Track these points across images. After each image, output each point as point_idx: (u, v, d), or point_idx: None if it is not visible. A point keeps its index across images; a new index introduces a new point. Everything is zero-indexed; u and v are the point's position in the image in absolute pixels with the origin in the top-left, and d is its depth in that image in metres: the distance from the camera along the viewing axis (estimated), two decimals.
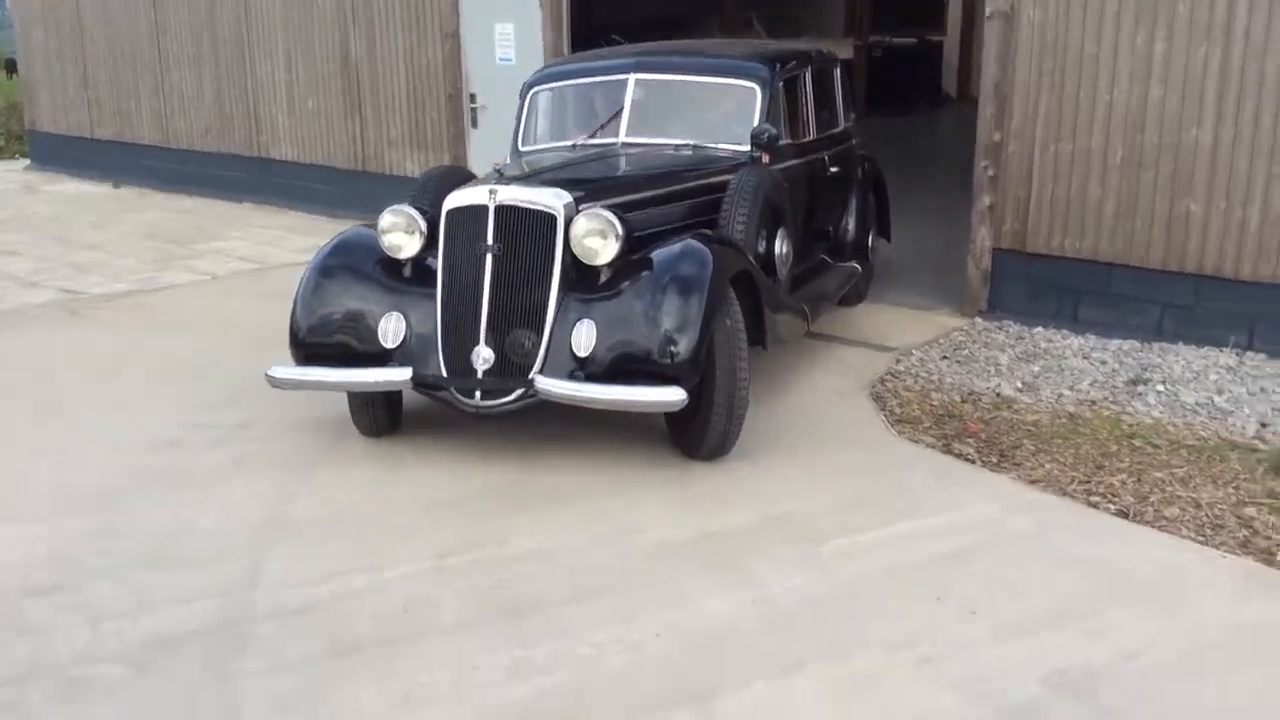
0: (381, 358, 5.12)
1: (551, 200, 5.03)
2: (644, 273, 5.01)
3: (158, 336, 7.78)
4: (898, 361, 6.96)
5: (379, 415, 5.56)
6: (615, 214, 5.05)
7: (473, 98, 10.54)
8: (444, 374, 5.04)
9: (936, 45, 20.68)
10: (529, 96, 6.98)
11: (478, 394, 4.99)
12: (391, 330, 5.14)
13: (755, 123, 6.25)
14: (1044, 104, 7.40)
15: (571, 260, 5.04)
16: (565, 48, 9.91)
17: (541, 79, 7.11)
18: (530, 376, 4.94)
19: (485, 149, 10.51)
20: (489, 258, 4.98)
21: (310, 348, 5.27)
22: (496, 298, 5.00)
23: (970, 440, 5.59)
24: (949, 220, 10.33)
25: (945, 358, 7.05)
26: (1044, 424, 5.84)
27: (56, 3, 14.60)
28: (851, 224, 7.94)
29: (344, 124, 11.63)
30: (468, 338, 5.00)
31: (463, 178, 6.33)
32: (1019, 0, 7.38)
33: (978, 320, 7.77)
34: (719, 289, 4.97)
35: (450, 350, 5.04)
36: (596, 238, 5.01)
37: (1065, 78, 7.28)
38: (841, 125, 7.92)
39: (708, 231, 5.46)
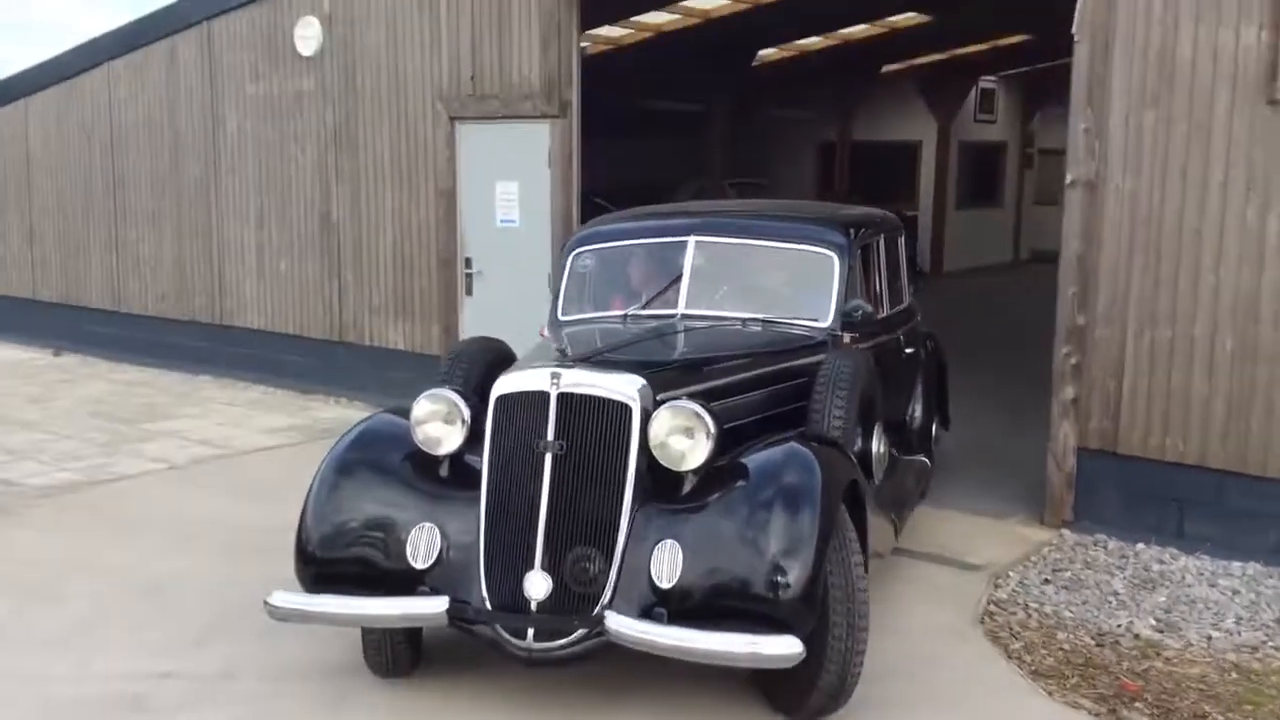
0: (410, 581, 4.18)
1: (625, 388, 4.17)
2: (739, 482, 4.14)
3: (109, 544, 6.55)
4: (996, 587, 5.91)
5: (399, 650, 4.57)
6: (704, 407, 4.19)
7: (468, 262, 9.59)
8: (488, 606, 4.08)
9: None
10: (571, 258, 6.11)
11: (530, 633, 4.02)
12: (424, 546, 4.21)
13: (833, 296, 5.50)
14: (1137, 284, 6.55)
15: (648, 463, 4.16)
16: (575, 211, 9.04)
17: (586, 238, 6.23)
18: (597, 613, 3.99)
19: (481, 319, 9.53)
20: (548, 458, 4.09)
21: (323, 566, 4.32)
22: (556, 508, 4.09)
23: (1138, 705, 4.49)
24: (996, 404, 9.51)
25: (1048, 581, 6.01)
26: (1213, 680, 4.78)
27: (2, 144, 13.59)
28: (919, 411, 7.05)
29: (320, 289, 10.60)
30: (519, 559, 4.08)
31: (501, 354, 5.62)
32: (1105, 167, 6.60)
33: (1065, 533, 6.77)
34: (832, 504, 4.08)
35: (497, 575, 4.11)
36: (682, 436, 4.14)
37: (1162, 255, 6.46)
38: (906, 299, 7.05)
39: (802, 431, 4.64)
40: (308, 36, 10.28)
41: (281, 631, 4.72)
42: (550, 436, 4.08)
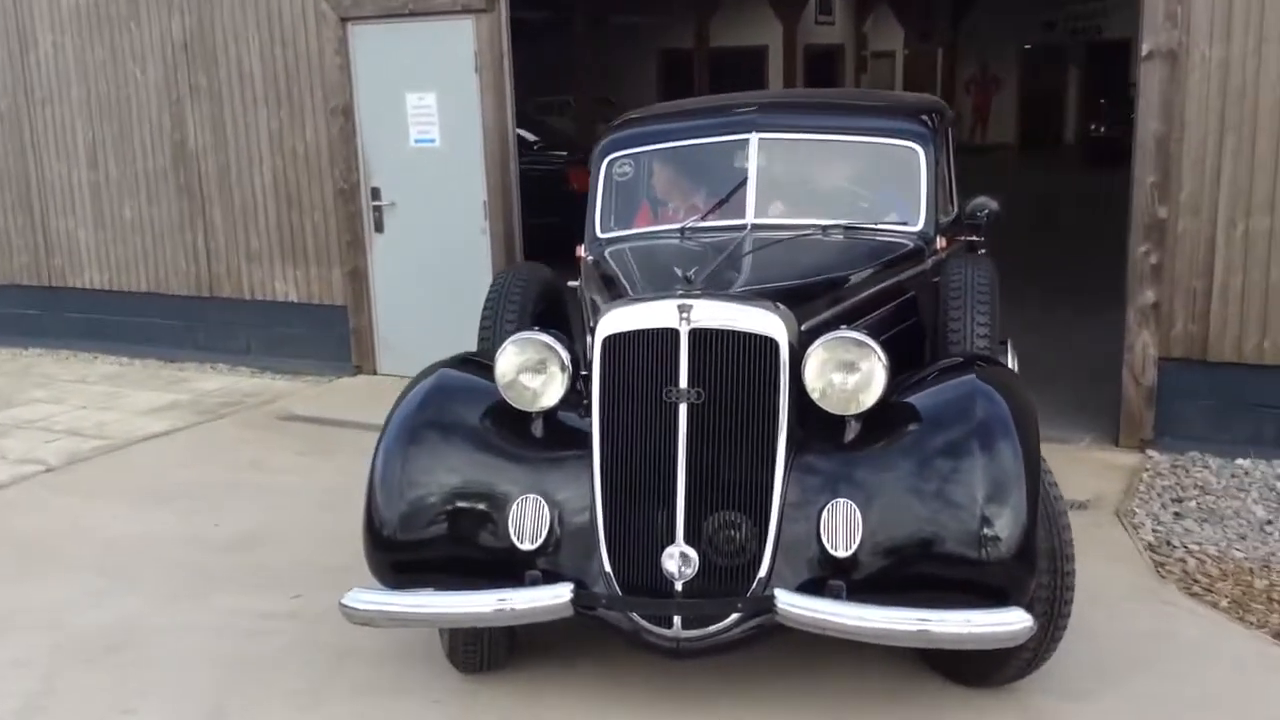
0: (515, 565, 3.47)
1: (768, 320, 3.46)
2: (910, 424, 3.48)
3: (13, 588, 4.94)
4: (1133, 527, 5.06)
5: (496, 638, 3.82)
6: (870, 338, 3.51)
7: (375, 193, 8.05)
8: (618, 590, 3.41)
9: None
10: (605, 164, 5.16)
11: (677, 620, 3.36)
12: (530, 522, 3.48)
13: (922, 195, 4.77)
14: (1229, 168, 5.74)
15: (798, 409, 3.48)
16: (510, 123, 7.63)
17: (623, 140, 5.25)
18: (754, 590, 3.35)
19: (396, 258, 8.06)
20: (683, 409, 3.37)
21: (404, 552, 3.56)
22: (695, 469, 3.38)
23: None
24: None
25: (1179, 516, 5.24)
26: None
27: None
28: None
29: (180, 235, 8.82)
30: (653, 532, 3.39)
31: (552, 283, 5.11)
32: (1188, 35, 5.74)
33: (1153, 455, 6.01)
34: (1032, 438, 3.42)
35: (625, 553, 3.42)
36: (848, 374, 3.47)
37: (1259, 133, 5.66)
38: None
39: (964, 355, 4.14)
40: None
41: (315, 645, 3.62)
42: (684, 383, 3.36)
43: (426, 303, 7.99)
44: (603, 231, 5.04)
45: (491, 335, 4.82)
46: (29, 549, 5.35)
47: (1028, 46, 27.43)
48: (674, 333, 3.38)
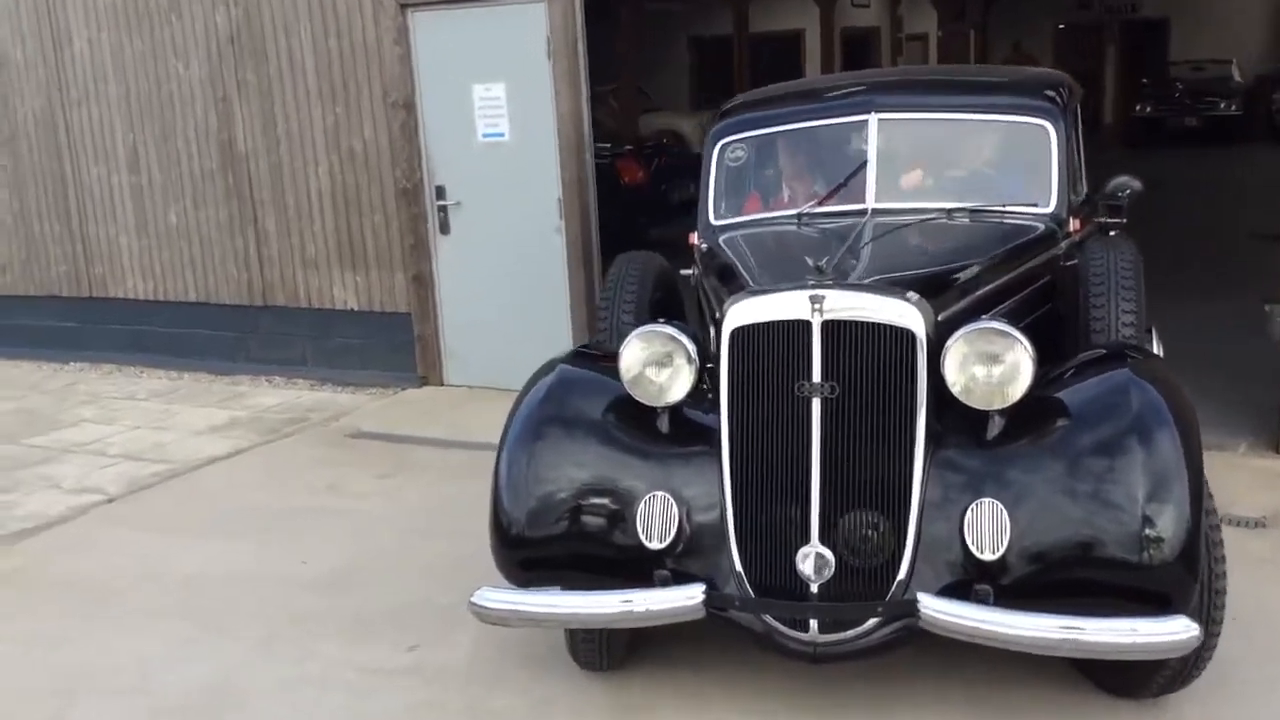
0: (644, 564, 3.38)
1: (904, 312, 3.31)
2: (1059, 420, 3.32)
3: (91, 643, 4.46)
4: None
5: (617, 636, 3.77)
6: (1016, 329, 3.34)
7: (440, 192, 7.54)
8: (750, 591, 3.33)
9: None
10: (719, 149, 5.01)
11: (813, 624, 3.26)
12: (658, 520, 3.39)
13: (1053, 175, 4.53)
14: None
15: (937, 403, 3.33)
16: (586, 113, 7.11)
17: (737, 125, 5.08)
18: (894, 593, 3.23)
19: (463, 261, 7.57)
20: (816, 403, 3.26)
21: (533, 549, 3.49)
22: (830, 466, 3.27)
23: None
24: None
25: None
26: None
27: None
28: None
29: (230, 242, 8.32)
30: (787, 531, 3.31)
31: (668, 272, 4.98)
32: None
33: None
34: (1193, 435, 3.22)
35: (757, 552, 3.34)
36: (992, 367, 3.30)
37: None
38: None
39: (1124, 347, 3.85)
40: None
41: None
42: (817, 377, 3.25)
43: (496, 308, 7.49)
44: (716, 218, 4.86)
45: (609, 327, 4.71)
46: (100, 594, 4.86)
47: (1062, 26, 26.75)
48: (806, 324, 3.25)
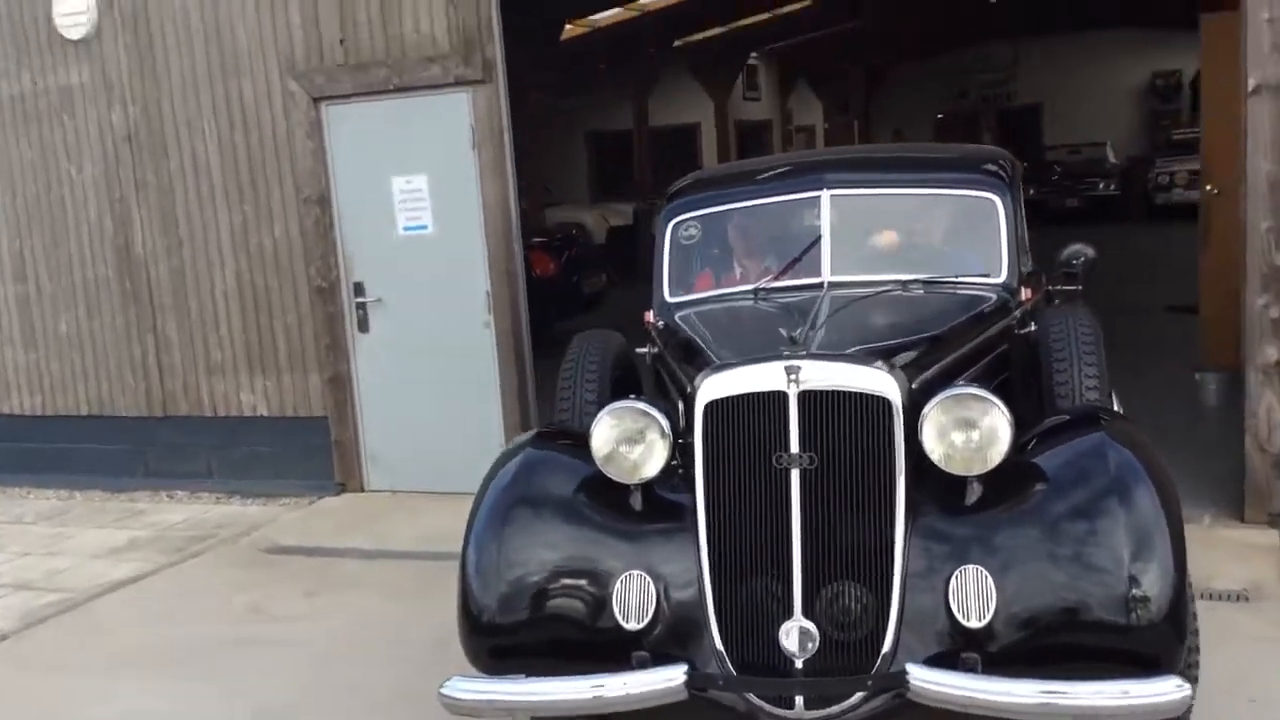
0: (621, 646, 3.31)
1: (880, 381, 3.31)
2: (1037, 484, 3.30)
3: None
4: None
5: None
6: (991, 394, 3.32)
7: (358, 289, 7.17)
8: (733, 670, 3.26)
9: None
10: (670, 228, 4.97)
11: (799, 701, 3.19)
12: (635, 600, 3.33)
13: (1003, 246, 4.56)
14: None
15: (913, 470, 3.31)
16: (513, 203, 6.84)
17: (688, 204, 5.05)
18: (882, 667, 3.17)
19: (384, 360, 7.19)
20: (795, 475, 3.24)
21: (504, 636, 3.40)
22: (810, 538, 3.24)
23: None
24: None
25: None
26: None
27: None
28: None
29: (127, 350, 7.79)
30: (768, 607, 3.27)
31: (625, 348, 4.89)
32: None
33: None
34: (1172, 497, 3.22)
35: (739, 629, 3.28)
36: (970, 432, 3.28)
37: None
38: None
39: (1082, 409, 3.92)
40: (74, 13, 7.47)
41: None
42: (795, 447, 3.22)
43: (421, 408, 7.10)
44: (671, 296, 4.83)
45: (571, 407, 4.57)
46: None
47: (940, 115, 27.62)
48: (782, 395, 3.21)
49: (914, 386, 3.41)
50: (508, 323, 6.85)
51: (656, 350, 4.68)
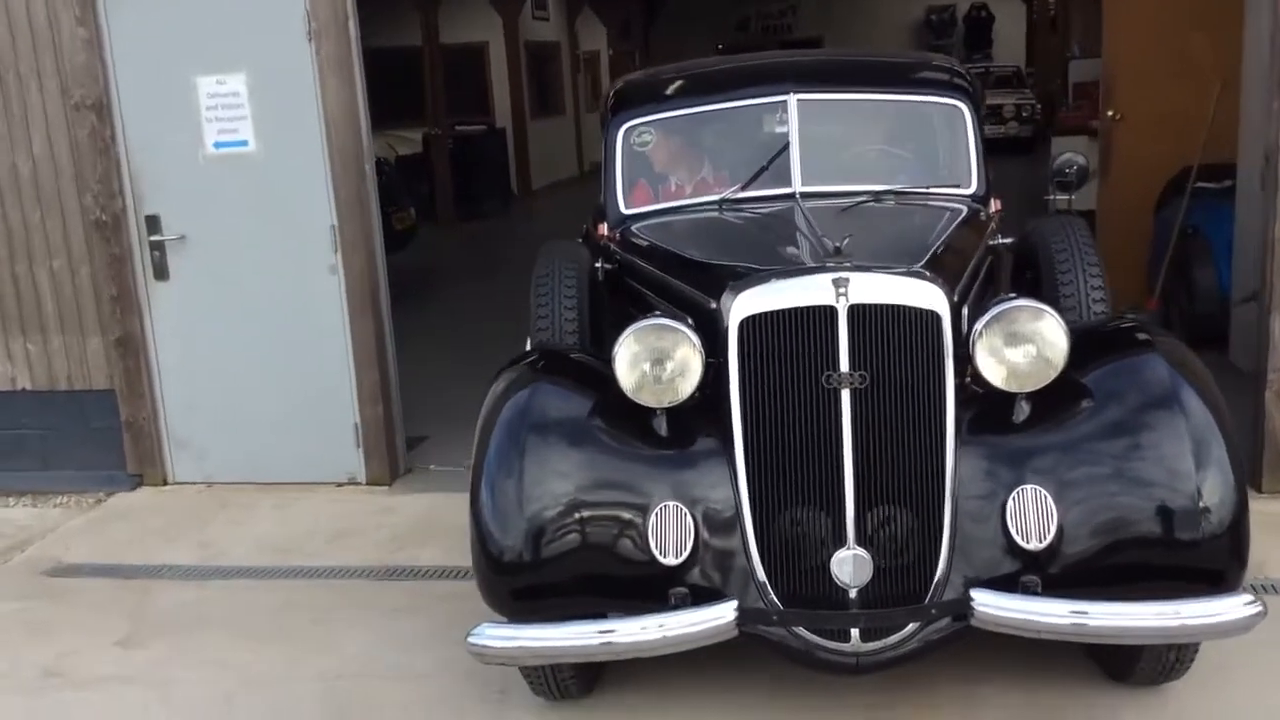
0: (659, 583, 3.07)
1: (931, 294, 3.12)
2: (1084, 401, 3.17)
3: None
4: None
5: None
6: (1051, 309, 3.19)
7: (152, 223, 5.53)
8: (778, 603, 3.08)
9: (500, 133, 17.45)
10: (622, 133, 4.66)
11: (854, 633, 3.03)
12: (672, 533, 3.08)
13: (972, 155, 4.51)
14: None
15: (963, 388, 3.18)
16: (363, 113, 5.38)
17: (641, 108, 4.72)
18: (937, 593, 3.05)
19: (189, 319, 5.63)
20: (845, 395, 3.04)
21: (529, 575, 3.12)
22: (862, 462, 3.05)
23: None
24: None
25: None
26: None
27: None
28: None
29: None
30: (818, 535, 3.08)
31: (589, 262, 4.46)
32: None
33: None
34: (1222, 402, 3.15)
35: (785, 561, 3.10)
36: (1033, 348, 3.14)
37: None
38: None
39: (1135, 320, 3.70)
40: None
41: None
42: (845, 366, 3.05)
43: (243, 378, 5.60)
44: (628, 208, 4.56)
45: (551, 325, 4.23)
46: None
47: (720, 46, 26.90)
48: (831, 310, 3.07)
49: (955, 300, 3.25)
50: (360, 265, 5.40)
51: (614, 266, 4.40)
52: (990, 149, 4.63)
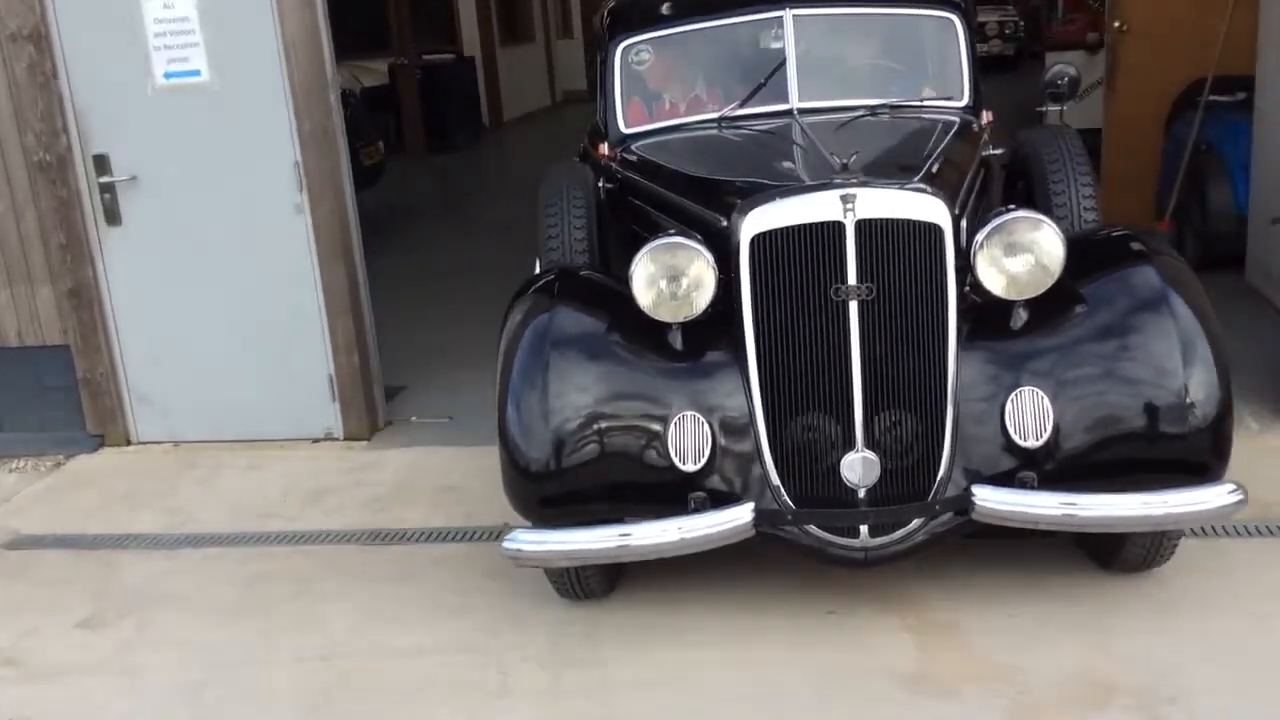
0: (679, 488, 3.26)
1: (933, 208, 3.27)
2: (1077, 305, 3.34)
3: None
4: None
5: (602, 567, 3.57)
6: (1049, 219, 3.33)
7: (101, 164, 5.10)
8: (791, 504, 3.27)
9: (469, 62, 16.84)
10: (620, 52, 4.70)
11: (863, 529, 3.23)
12: (690, 440, 3.26)
13: (964, 68, 4.62)
14: None
15: (963, 298, 3.34)
16: (325, 36, 4.94)
17: (637, 24, 4.78)
18: (940, 489, 3.24)
19: (145, 267, 5.23)
20: (853, 306, 3.21)
21: (557, 482, 3.29)
22: (870, 369, 3.23)
23: None
24: None
25: None
26: None
27: None
28: None
29: None
30: (828, 439, 3.26)
31: (590, 179, 4.52)
32: None
33: None
34: (1208, 304, 3.31)
35: (797, 464, 3.28)
36: (1031, 257, 3.29)
37: None
38: None
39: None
40: None
41: None
42: (853, 279, 3.20)
43: (207, 329, 5.21)
44: (628, 126, 4.63)
45: (561, 245, 4.30)
46: None
47: None
48: (839, 226, 3.21)
49: (955, 212, 3.38)
50: (328, 204, 5.00)
51: (615, 185, 4.47)
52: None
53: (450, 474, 4.83)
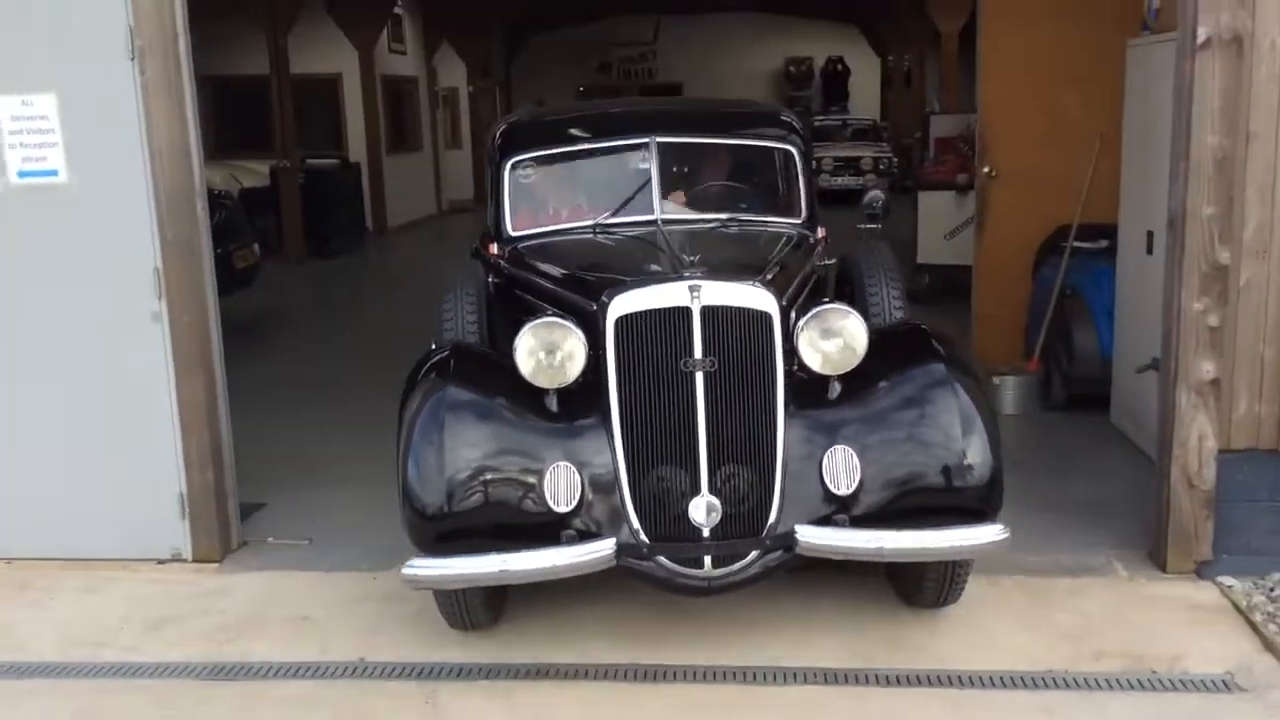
0: (553, 527, 3.84)
1: (764, 298, 3.98)
2: (882, 381, 4.06)
3: None
4: None
5: (486, 599, 4.20)
6: (855, 311, 4.08)
7: None
8: (645, 539, 3.85)
9: (355, 168, 16.72)
10: (509, 169, 5.35)
11: (707, 561, 3.83)
12: (563, 487, 3.85)
13: (802, 191, 5.43)
14: None
15: (790, 374, 4.01)
16: (195, 142, 4.78)
17: (526, 145, 5.46)
18: (772, 530, 3.86)
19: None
20: (699, 377, 3.86)
21: (449, 521, 3.86)
22: (712, 429, 3.87)
23: None
24: None
25: None
26: None
27: None
28: None
29: None
30: (678, 487, 3.88)
31: (480, 276, 5.37)
32: (1258, 16, 4.27)
33: (1228, 582, 4.50)
34: (979, 386, 4.11)
35: (652, 508, 3.88)
36: (839, 340, 4.02)
37: None
38: None
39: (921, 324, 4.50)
40: None
41: None
42: (699, 354, 3.87)
43: (47, 441, 4.91)
44: (514, 230, 5.23)
45: (455, 327, 5.04)
46: None
47: (582, 88, 26.67)
48: (687, 310, 3.84)
49: (784, 304, 4.05)
50: (191, 314, 4.78)
51: (503, 279, 5.09)
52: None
53: (306, 602, 4.56)
